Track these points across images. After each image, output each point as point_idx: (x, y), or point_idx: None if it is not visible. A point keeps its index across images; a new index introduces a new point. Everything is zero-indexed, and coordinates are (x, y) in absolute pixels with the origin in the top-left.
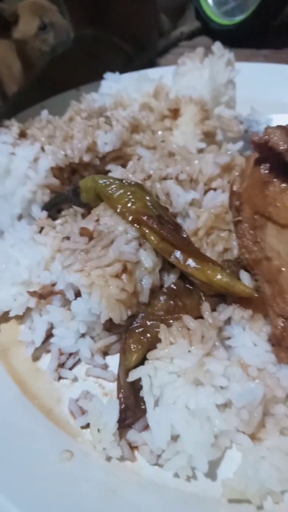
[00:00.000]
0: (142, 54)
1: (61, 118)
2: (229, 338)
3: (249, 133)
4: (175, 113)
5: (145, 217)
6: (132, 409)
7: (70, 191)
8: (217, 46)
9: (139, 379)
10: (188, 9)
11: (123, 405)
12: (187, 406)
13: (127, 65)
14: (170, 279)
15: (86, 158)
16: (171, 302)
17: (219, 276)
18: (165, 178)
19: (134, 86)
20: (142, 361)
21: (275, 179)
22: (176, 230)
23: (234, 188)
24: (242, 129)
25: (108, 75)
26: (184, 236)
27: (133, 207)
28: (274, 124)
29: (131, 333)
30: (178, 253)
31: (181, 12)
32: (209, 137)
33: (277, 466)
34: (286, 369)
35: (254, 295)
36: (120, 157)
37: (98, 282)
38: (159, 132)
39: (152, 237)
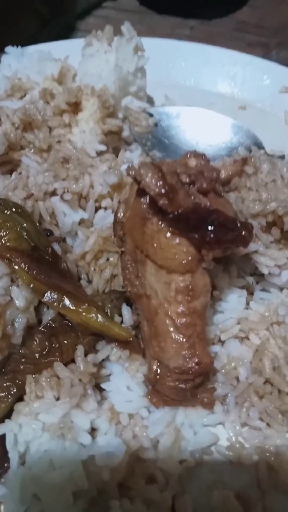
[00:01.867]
0: (59, 16)
1: None
2: (109, 375)
3: (159, 127)
4: (75, 106)
5: (15, 254)
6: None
7: None
8: (127, 27)
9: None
10: None
11: None
12: (52, 462)
13: (41, 30)
14: (49, 314)
15: None
16: (47, 342)
17: (94, 318)
18: (53, 193)
19: (36, 66)
20: (10, 411)
21: (153, 216)
22: (54, 263)
23: (118, 216)
24: (151, 122)
25: (9, 49)
26: (63, 268)
27: (4, 239)
28: (182, 118)
29: (0, 379)
30: (51, 294)
31: None
32: (112, 135)
33: None
34: (158, 413)
35: (129, 339)
36: (7, 162)
37: None
38: (56, 131)
39: (23, 275)
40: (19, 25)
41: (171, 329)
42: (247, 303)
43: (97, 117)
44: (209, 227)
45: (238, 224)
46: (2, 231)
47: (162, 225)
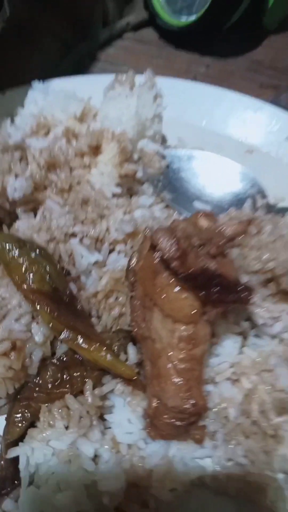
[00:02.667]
0: (82, 44)
1: None
2: (112, 406)
3: (170, 169)
4: (95, 149)
5: (38, 296)
6: (10, 479)
7: None
8: (148, 75)
9: None
10: None
11: (2, 476)
12: (58, 484)
13: (64, 55)
14: (63, 348)
15: None
16: (59, 375)
17: (103, 356)
18: (72, 234)
19: (61, 104)
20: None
21: (164, 271)
22: (70, 304)
23: (131, 264)
24: (163, 165)
25: (36, 85)
26: (79, 308)
27: (29, 279)
28: (193, 161)
29: (17, 405)
30: (67, 332)
31: None
32: (127, 177)
33: None
34: (154, 445)
35: (133, 377)
36: (31, 201)
37: None
38: (76, 171)
39: (44, 315)
40: (44, 51)
41: (172, 372)
42: (242, 347)
43: (115, 161)
44: (214, 288)
45: (240, 287)
46: (28, 273)
47: (171, 280)
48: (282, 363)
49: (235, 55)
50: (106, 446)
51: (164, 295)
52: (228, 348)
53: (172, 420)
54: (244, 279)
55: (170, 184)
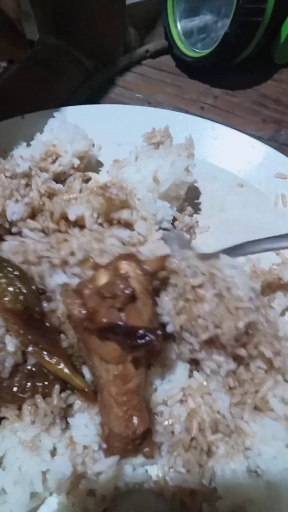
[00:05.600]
0: (102, 70)
1: None
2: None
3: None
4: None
5: (10, 315)
6: None
7: None
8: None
9: None
10: (158, 25)
11: None
12: (20, 468)
13: (84, 82)
14: (33, 359)
15: None
16: (24, 382)
17: (62, 368)
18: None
19: (70, 138)
20: None
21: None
22: (40, 320)
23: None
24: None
25: (57, 114)
26: (46, 325)
27: (4, 300)
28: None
29: None
30: (33, 347)
31: (151, 26)
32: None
33: None
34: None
35: (86, 390)
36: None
37: None
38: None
39: (13, 330)
40: (65, 78)
41: (113, 404)
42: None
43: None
44: (123, 338)
45: (143, 332)
46: (4, 293)
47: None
48: (221, 388)
49: (243, 88)
50: (63, 443)
51: (93, 342)
52: (178, 375)
53: (123, 444)
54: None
55: None
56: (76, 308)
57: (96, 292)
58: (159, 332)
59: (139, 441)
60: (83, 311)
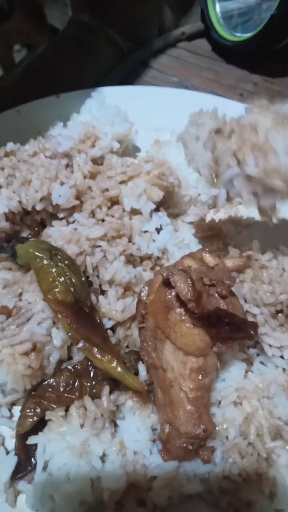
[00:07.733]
0: (136, 51)
1: (26, 147)
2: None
3: None
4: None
5: (61, 307)
6: (24, 464)
7: (9, 248)
8: None
9: None
10: (195, 6)
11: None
12: (68, 474)
13: (118, 62)
14: (79, 356)
15: (39, 206)
16: (71, 381)
17: (114, 367)
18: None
19: (110, 120)
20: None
21: (177, 307)
22: (90, 315)
23: (142, 296)
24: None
25: (95, 94)
26: (96, 320)
27: (55, 290)
28: None
29: (30, 400)
30: (84, 343)
31: (187, 7)
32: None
33: None
34: (157, 458)
35: (141, 390)
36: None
37: (7, 359)
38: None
39: (64, 323)
40: (100, 58)
41: (185, 400)
42: (247, 372)
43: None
44: (225, 327)
45: (247, 325)
46: (55, 283)
47: (184, 316)
48: (281, 393)
49: (284, 75)
50: (113, 448)
51: (177, 329)
52: (234, 374)
53: (184, 445)
54: (256, 311)
55: None
56: (186, 288)
57: (200, 279)
58: (256, 326)
59: (203, 442)
60: (191, 290)
